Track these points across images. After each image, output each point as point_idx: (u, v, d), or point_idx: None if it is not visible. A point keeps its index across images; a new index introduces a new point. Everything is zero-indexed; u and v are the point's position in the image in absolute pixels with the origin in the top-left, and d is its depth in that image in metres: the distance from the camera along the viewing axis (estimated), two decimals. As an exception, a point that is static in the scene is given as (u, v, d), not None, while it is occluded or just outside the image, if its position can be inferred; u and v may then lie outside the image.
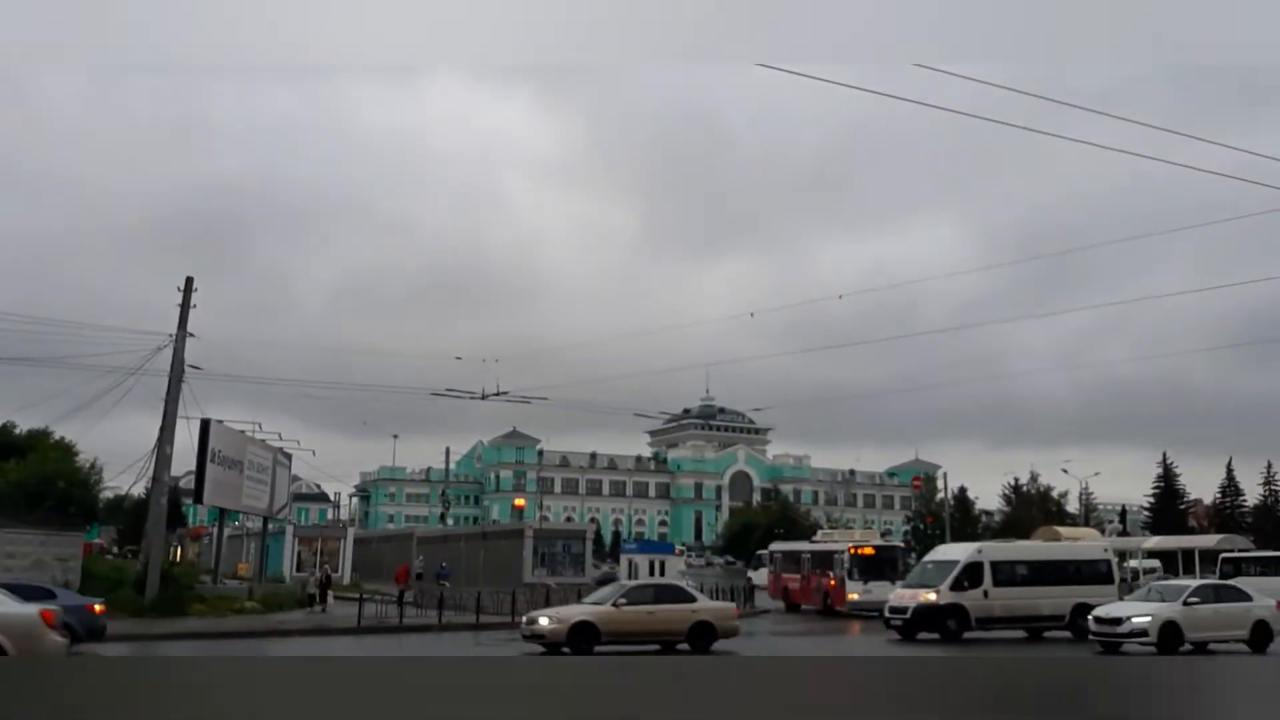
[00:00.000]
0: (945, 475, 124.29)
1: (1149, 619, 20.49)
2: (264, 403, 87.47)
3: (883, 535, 68.79)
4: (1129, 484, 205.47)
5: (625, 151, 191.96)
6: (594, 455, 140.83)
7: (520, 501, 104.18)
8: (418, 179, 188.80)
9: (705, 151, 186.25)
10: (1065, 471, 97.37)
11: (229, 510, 35.29)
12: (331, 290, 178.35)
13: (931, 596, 24.49)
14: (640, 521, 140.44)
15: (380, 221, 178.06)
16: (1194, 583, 23.25)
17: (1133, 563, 73.47)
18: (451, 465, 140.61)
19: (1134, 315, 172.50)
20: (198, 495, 30.98)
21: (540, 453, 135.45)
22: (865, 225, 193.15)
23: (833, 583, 34.92)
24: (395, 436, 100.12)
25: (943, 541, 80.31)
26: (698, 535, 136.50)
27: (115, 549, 71.54)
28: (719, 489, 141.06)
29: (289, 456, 39.75)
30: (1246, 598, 22.31)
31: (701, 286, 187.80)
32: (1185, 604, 21.07)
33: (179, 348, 28.55)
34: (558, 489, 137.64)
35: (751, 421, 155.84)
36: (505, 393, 34.96)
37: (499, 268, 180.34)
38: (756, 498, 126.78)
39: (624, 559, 51.97)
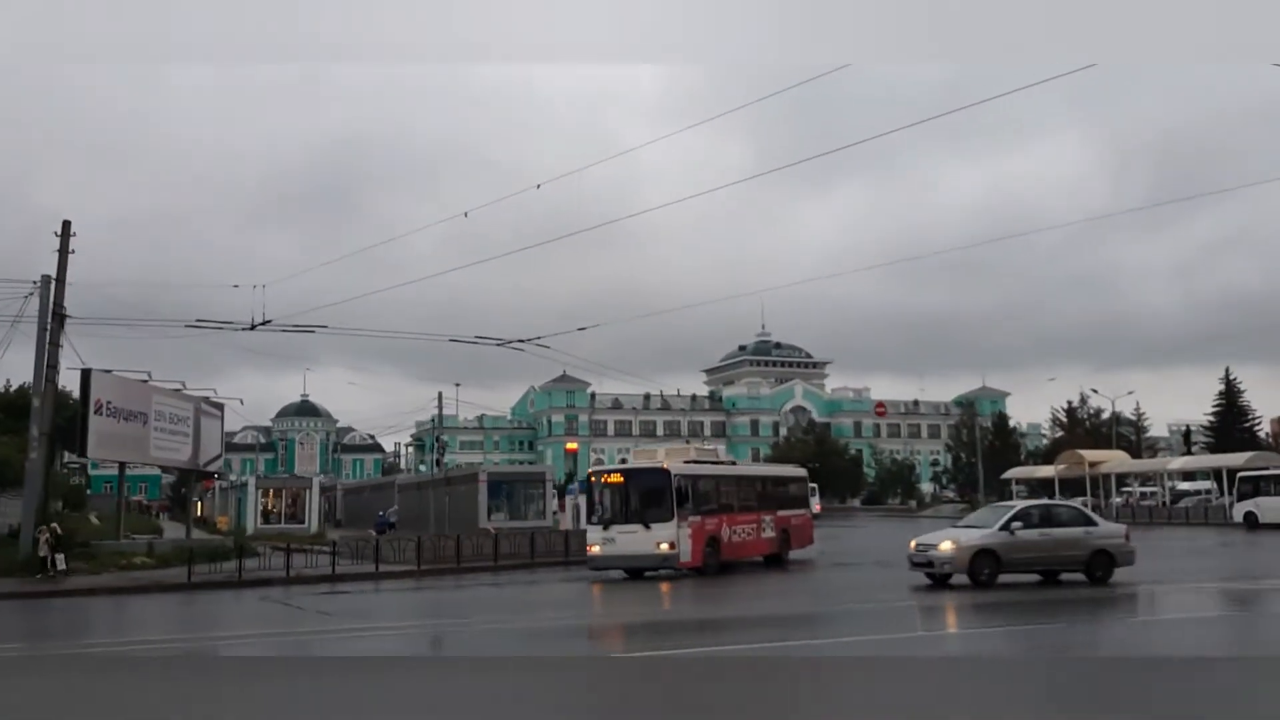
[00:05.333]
0: (994, 404, 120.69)
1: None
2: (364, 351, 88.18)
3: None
4: (1260, 400, 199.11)
5: (736, 87, 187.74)
6: (647, 396, 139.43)
7: (572, 445, 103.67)
8: (529, 124, 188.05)
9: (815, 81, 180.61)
10: (1131, 394, 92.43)
11: (129, 464, 34.97)
12: (442, 239, 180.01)
13: None
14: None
15: (494, 168, 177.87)
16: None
17: (1183, 484, 69.75)
18: (506, 412, 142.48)
19: (1257, 227, 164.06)
20: (80, 447, 30.62)
21: (593, 395, 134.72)
22: (984, 148, 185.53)
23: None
24: (457, 385, 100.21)
25: (978, 469, 77.31)
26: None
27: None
28: (775, 425, 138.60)
29: (219, 406, 39.31)
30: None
31: (810, 218, 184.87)
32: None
33: (48, 294, 27.93)
34: (610, 432, 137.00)
35: (809, 355, 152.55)
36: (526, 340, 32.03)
37: (604, 208, 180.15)
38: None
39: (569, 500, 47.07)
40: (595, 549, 24.07)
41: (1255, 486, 47.20)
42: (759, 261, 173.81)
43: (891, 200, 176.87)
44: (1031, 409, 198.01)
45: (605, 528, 23.95)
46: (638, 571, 23.93)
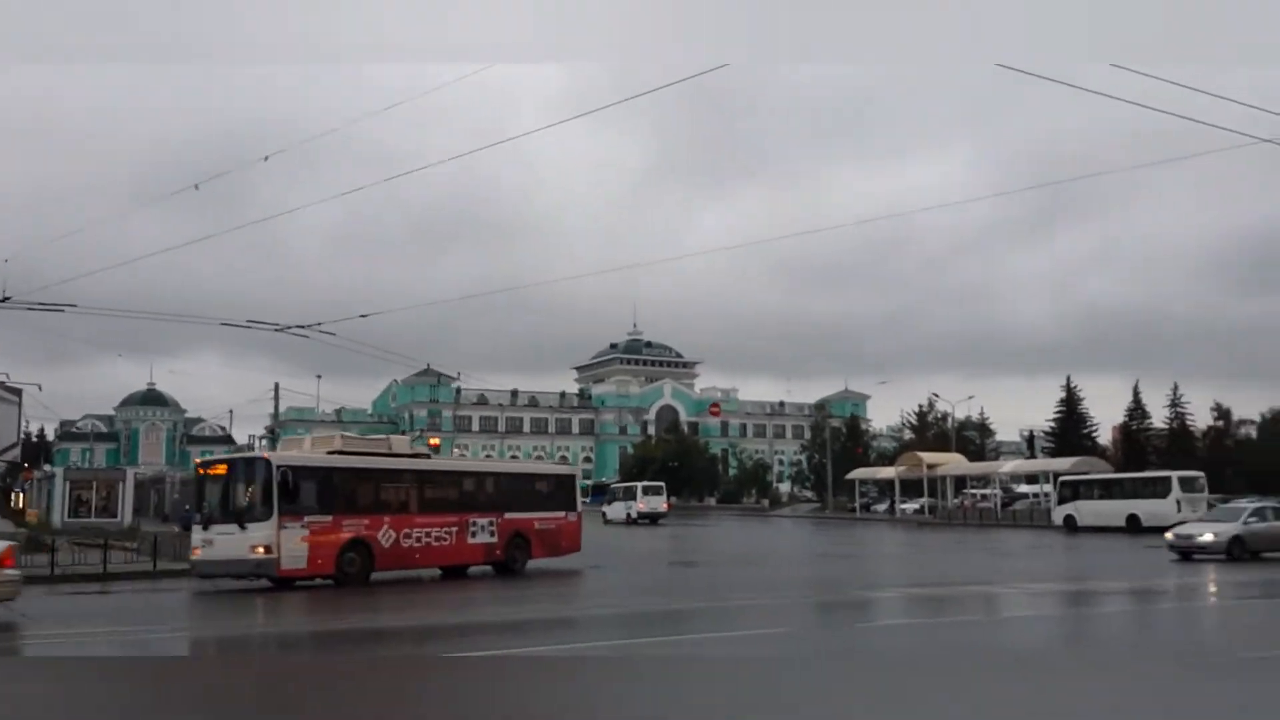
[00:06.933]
0: (855, 407, 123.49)
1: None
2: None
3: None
4: (1101, 409, 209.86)
5: (634, 88, 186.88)
6: (515, 392, 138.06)
7: (435, 441, 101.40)
8: (423, 114, 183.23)
9: (717, 85, 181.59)
10: (971, 398, 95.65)
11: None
12: (331, 229, 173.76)
13: None
14: (563, 459, 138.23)
15: (385, 159, 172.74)
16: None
17: (1024, 487, 72.27)
18: (366, 405, 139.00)
19: (1123, 245, 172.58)
20: None
21: (458, 391, 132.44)
22: (876, 160, 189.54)
23: None
24: (319, 376, 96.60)
25: (826, 470, 78.63)
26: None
27: None
28: (644, 423, 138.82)
29: (16, 392, 36.64)
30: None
31: (702, 221, 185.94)
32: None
33: None
34: (476, 428, 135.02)
35: (680, 355, 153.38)
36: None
37: (500, 204, 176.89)
38: (685, 431, 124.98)
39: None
40: (197, 552, 21.24)
41: (1075, 490, 48.86)
42: (644, 262, 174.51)
43: (783, 205, 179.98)
44: (897, 413, 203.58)
45: (206, 527, 21.09)
46: (242, 578, 20.90)
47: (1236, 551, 27.02)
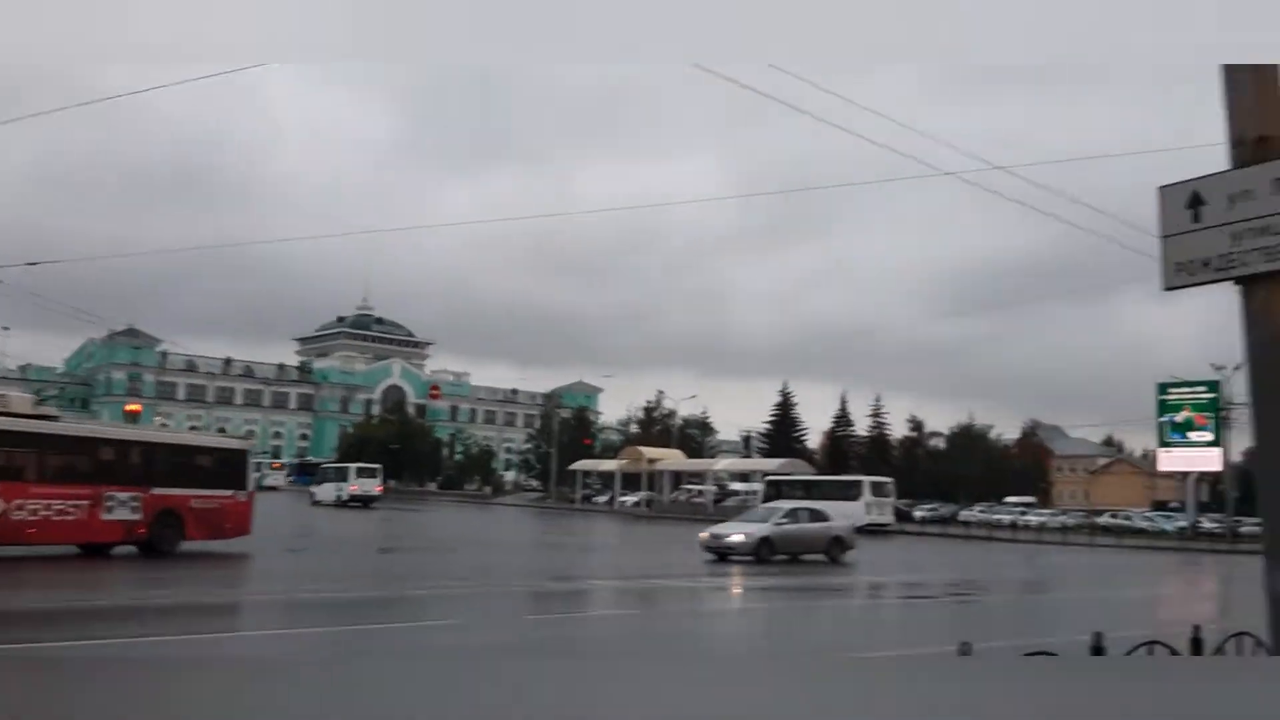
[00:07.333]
0: (587, 400, 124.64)
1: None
2: None
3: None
4: (815, 415, 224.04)
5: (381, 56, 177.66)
6: (228, 361, 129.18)
7: (134, 406, 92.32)
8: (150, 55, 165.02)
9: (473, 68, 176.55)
10: (694, 397, 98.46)
11: None
12: (34, 173, 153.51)
13: None
14: (278, 435, 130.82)
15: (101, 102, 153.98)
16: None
17: (738, 485, 74.86)
18: (59, 363, 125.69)
19: (845, 264, 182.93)
20: None
21: (164, 354, 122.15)
22: (628, 159, 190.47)
23: None
24: (5, 328, 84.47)
25: (552, 460, 78.28)
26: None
27: None
28: (369, 403, 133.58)
29: None
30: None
31: (448, 202, 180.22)
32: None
33: None
34: (181, 395, 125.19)
35: (411, 334, 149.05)
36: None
37: (233, 165, 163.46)
38: (412, 413, 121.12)
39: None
40: None
41: (779, 490, 50.76)
42: (374, 229, 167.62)
43: (533, 194, 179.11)
44: (629, 408, 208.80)
45: None
46: None
47: (764, 553, 26.37)
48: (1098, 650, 4.35)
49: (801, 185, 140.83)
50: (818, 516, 29.04)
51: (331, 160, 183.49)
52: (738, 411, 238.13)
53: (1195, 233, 4.46)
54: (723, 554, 26.58)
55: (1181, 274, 4.51)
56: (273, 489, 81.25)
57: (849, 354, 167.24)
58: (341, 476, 59.91)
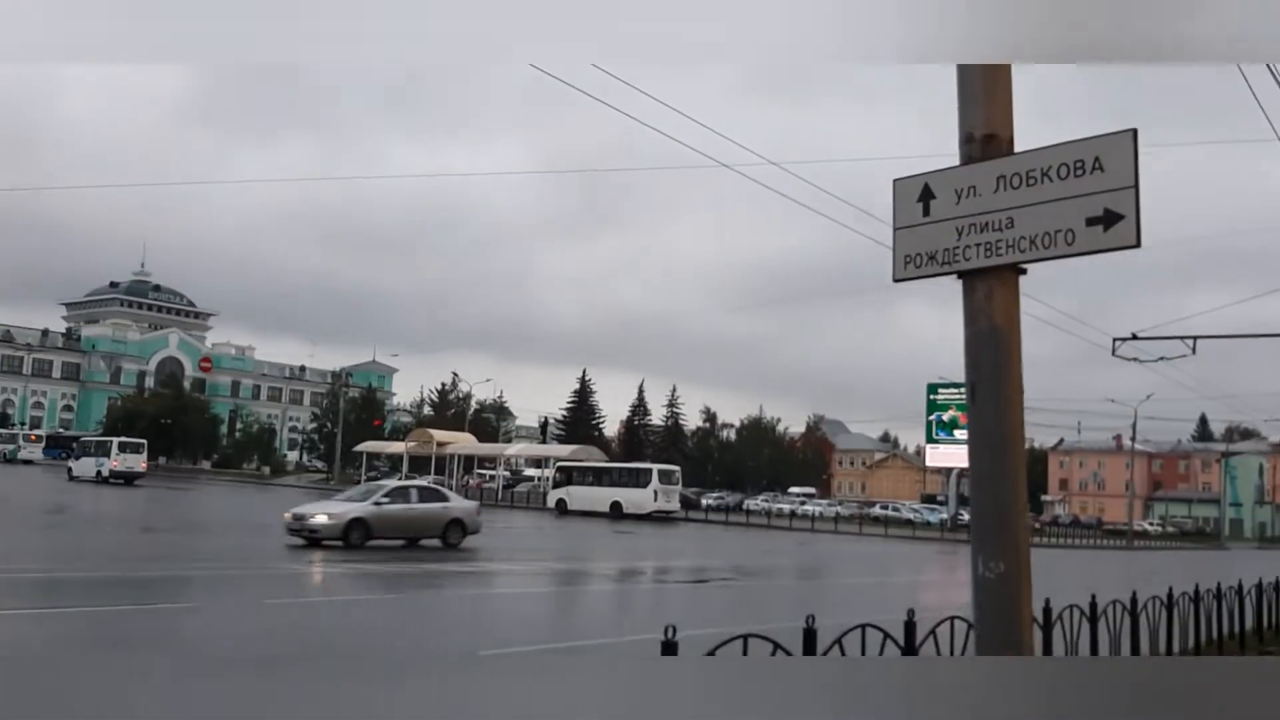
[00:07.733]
0: (381, 380, 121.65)
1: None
2: None
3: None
4: (614, 403, 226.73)
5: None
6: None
7: None
8: None
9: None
10: (489, 381, 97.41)
11: None
12: None
13: None
14: (39, 405, 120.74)
15: None
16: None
17: (530, 470, 74.44)
18: None
19: (650, 256, 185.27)
20: None
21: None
22: (434, 134, 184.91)
23: None
24: None
25: (337, 440, 75.63)
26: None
27: None
28: (142, 375, 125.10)
29: None
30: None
31: (240, 169, 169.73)
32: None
33: None
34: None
35: (192, 304, 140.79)
36: None
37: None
38: (189, 387, 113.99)
39: None
40: None
41: (570, 476, 50.92)
42: (149, 182, 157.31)
43: (336, 169, 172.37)
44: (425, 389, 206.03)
45: None
46: None
47: (355, 537, 23.06)
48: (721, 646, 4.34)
49: (592, 169, 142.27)
50: (433, 496, 26.24)
51: (117, 113, 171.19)
52: (537, 398, 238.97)
53: (924, 226, 4.50)
54: (309, 537, 22.96)
55: (910, 266, 4.55)
56: (27, 462, 74.85)
57: (648, 344, 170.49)
58: (104, 451, 55.60)
